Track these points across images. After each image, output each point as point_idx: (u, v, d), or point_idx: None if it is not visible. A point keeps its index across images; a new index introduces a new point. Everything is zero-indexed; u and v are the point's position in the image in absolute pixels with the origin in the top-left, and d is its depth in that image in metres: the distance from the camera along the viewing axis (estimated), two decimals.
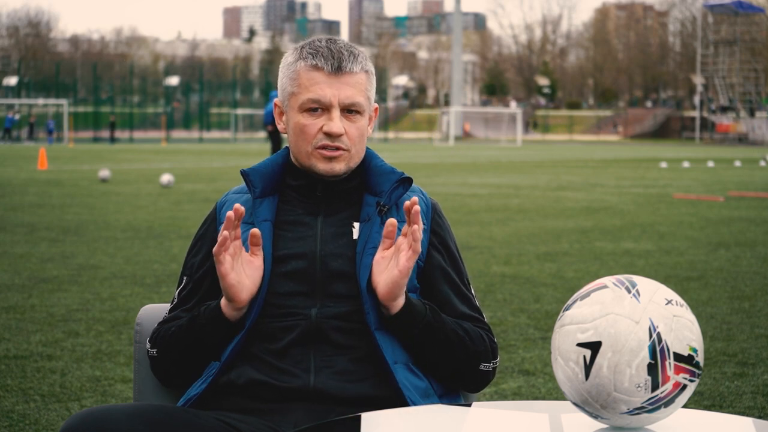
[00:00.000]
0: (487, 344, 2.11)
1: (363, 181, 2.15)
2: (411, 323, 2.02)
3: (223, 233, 1.95)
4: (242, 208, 1.97)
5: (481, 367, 2.10)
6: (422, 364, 2.06)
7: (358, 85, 2.08)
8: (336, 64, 2.06)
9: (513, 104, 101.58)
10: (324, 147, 2.07)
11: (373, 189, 2.13)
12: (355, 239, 2.09)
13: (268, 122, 19.77)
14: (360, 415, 1.74)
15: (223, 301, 2.03)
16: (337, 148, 2.07)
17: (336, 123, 2.05)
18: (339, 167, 2.08)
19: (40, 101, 70.12)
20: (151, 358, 2.14)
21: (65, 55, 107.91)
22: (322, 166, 2.08)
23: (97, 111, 71.20)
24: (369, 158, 2.16)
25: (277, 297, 2.05)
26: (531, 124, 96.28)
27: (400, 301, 2.00)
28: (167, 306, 2.24)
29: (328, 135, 2.06)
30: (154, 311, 2.26)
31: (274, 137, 19.85)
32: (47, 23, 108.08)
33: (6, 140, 58.08)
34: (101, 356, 5.14)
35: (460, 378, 2.12)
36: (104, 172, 20.59)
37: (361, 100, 2.08)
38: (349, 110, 2.08)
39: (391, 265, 1.98)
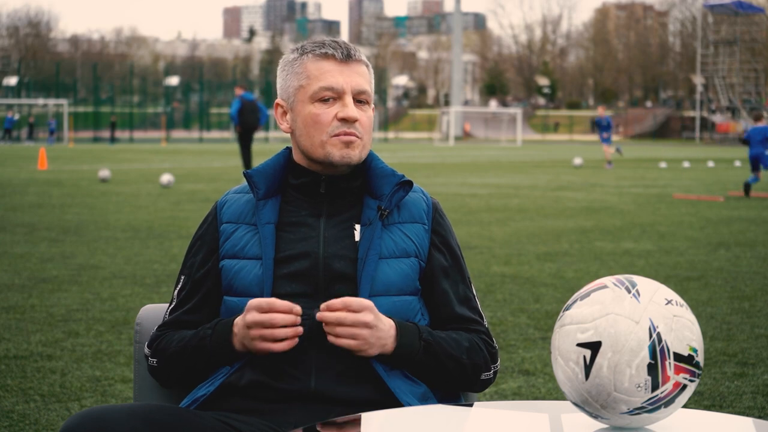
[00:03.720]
0: (485, 354, 2.11)
1: (364, 182, 2.15)
2: (402, 363, 2.02)
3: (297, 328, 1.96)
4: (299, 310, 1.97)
5: (482, 377, 2.11)
6: (418, 378, 2.07)
7: (365, 75, 2.11)
8: (345, 51, 2.09)
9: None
10: (339, 134, 2.07)
11: (374, 191, 2.13)
12: (357, 241, 2.09)
13: (236, 123, 20.39)
14: (360, 415, 1.74)
15: (237, 343, 2.02)
16: (352, 134, 2.08)
17: (351, 108, 2.07)
18: (354, 154, 2.09)
19: (40, 101, 70.09)
20: (150, 366, 2.14)
21: (65, 55, 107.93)
22: (338, 153, 2.07)
23: (97, 111, 71.12)
24: (370, 159, 2.17)
25: (280, 298, 2.05)
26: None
27: (387, 348, 2.00)
28: (167, 306, 2.24)
29: (344, 120, 2.06)
30: (154, 311, 2.26)
31: (244, 138, 20.31)
32: (47, 23, 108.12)
33: (6, 140, 58.07)
34: (101, 356, 5.14)
35: (460, 389, 2.13)
36: (104, 172, 20.58)
37: (368, 89, 2.11)
38: (359, 99, 2.10)
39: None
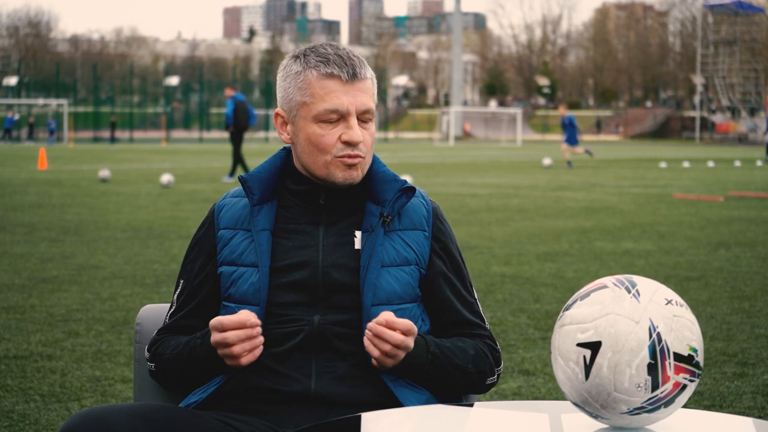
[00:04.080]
0: (489, 359, 2.11)
1: (365, 187, 2.13)
2: (409, 374, 2.03)
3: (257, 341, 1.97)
4: (257, 323, 1.96)
5: (487, 381, 2.11)
6: (426, 388, 2.07)
7: (369, 91, 2.07)
8: (351, 71, 2.03)
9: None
10: (343, 156, 2.05)
11: (375, 197, 2.11)
12: (358, 249, 2.07)
13: (231, 124, 20.71)
14: (360, 415, 1.74)
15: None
16: (356, 156, 2.05)
17: (356, 131, 2.04)
18: (357, 175, 2.07)
19: (40, 101, 70.11)
20: (150, 369, 2.14)
21: (65, 55, 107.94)
22: (341, 175, 2.05)
23: (97, 111, 71.13)
24: (372, 163, 2.14)
25: (279, 307, 2.05)
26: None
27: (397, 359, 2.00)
28: (167, 306, 2.24)
29: (348, 143, 2.04)
30: (154, 311, 2.26)
31: (236, 139, 20.68)
32: (47, 23, 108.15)
33: (6, 140, 58.07)
34: (101, 356, 5.14)
35: (464, 394, 2.14)
36: (104, 172, 20.57)
37: (373, 106, 2.08)
38: (363, 119, 2.07)
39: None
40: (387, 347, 1.94)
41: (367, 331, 1.95)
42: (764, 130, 35.78)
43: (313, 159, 2.07)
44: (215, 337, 1.97)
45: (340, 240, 2.08)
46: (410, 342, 1.96)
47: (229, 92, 21.27)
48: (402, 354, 1.96)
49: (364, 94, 2.05)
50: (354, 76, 2.04)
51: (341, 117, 2.04)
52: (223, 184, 19.79)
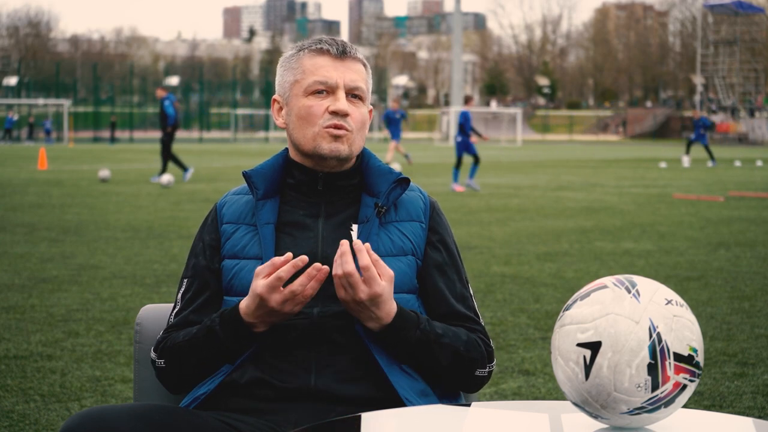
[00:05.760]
0: (482, 350, 2.11)
1: (361, 180, 2.16)
2: (400, 341, 2.02)
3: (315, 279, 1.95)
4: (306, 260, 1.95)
5: (477, 373, 2.10)
6: (415, 370, 2.06)
7: (360, 72, 2.13)
8: (341, 48, 2.11)
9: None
10: (330, 126, 2.08)
11: (371, 189, 2.14)
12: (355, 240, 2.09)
13: (172, 124, 20.55)
14: (360, 415, 1.74)
15: (251, 317, 1.99)
16: (342, 127, 2.09)
17: (342, 102, 2.08)
18: (343, 148, 2.09)
19: (40, 101, 70.09)
20: (158, 368, 2.11)
21: (65, 55, 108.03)
22: (327, 146, 2.08)
23: (97, 111, 71.13)
24: (367, 158, 2.18)
25: None
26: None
27: (387, 316, 1.99)
28: (167, 306, 2.24)
29: (335, 114, 2.08)
30: (154, 311, 2.26)
31: (171, 138, 20.60)
32: (47, 23, 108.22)
33: (6, 140, 58.07)
34: (101, 356, 5.14)
35: (455, 383, 2.12)
36: (104, 172, 20.57)
37: (363, 86, 2.12)
38: (353, 95, 2.11)
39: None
40: (357, 296, 1.93)
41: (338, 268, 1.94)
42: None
43: (302, 133, 2.11)
44: (279, 297, 1.93)
45: (338, 232, 2.11)
46: (380, 295, 1.94)
47: (162, 93, 20.84)
48: (372, 311, 1.95)
49: (354, 73, 2.11)
50: (344, 53, 2.11)
51: (330, 91, 2.10)
52: (224, 184, 19.79)
